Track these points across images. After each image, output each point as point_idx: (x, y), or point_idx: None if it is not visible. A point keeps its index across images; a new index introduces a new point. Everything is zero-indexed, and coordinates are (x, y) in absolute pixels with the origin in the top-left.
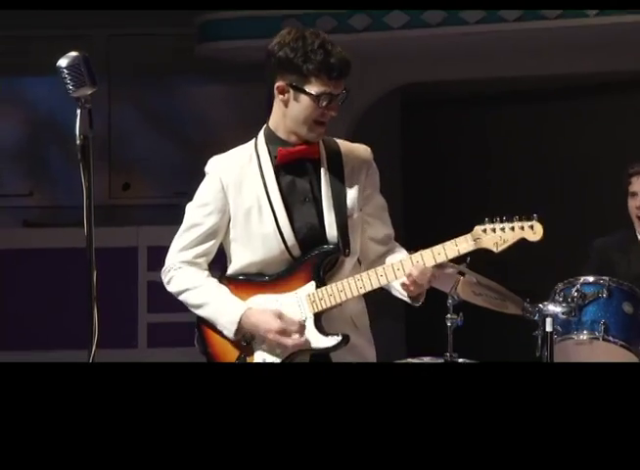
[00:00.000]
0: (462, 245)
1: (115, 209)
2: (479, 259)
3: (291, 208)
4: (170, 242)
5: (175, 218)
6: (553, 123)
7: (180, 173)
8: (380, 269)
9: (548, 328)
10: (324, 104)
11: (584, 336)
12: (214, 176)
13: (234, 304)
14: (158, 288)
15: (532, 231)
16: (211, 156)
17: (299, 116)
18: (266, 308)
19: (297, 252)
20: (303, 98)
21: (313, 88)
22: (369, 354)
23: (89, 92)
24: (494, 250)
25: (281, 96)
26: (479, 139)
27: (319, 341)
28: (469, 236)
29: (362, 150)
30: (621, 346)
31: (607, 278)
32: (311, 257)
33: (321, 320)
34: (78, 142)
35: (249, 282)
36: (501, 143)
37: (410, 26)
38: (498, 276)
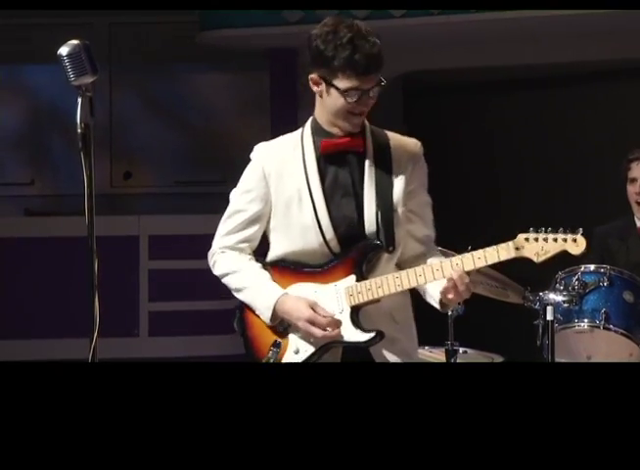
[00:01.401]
0: (503, 252)
1: (117, 197)
2: (479, 248)
3: (330, 200)
4: (171, 231)
5: (176, 207)
6: (553, 110)
7: (182, 162)
8: (419, 269)
9: (549, 317)
10: (353, 99)
11: (585, 325)
12: (257, 164)
13: (271, 289)
14: (159, 277)
15: (575, 244)
16: (213, 144)
17: (332, 108)
18: (301, 296)
19: (335, 245)
20: (333, 92)
21: (341, 83)
22: (410, 349)
23: (90, 80)
24: (535, 259)
25: (315, 87)
26: (481, 126)
27: (353, 335)
28: (511, 243)
29: (412, 144)
30: (622, 334)
31: (607, 267)
32: (354, 250)
33: (358, 314)
34: (79, 130)
35: (290, 270)
36: (503, 130)
37: (412, 15)
38: (499, 265)
